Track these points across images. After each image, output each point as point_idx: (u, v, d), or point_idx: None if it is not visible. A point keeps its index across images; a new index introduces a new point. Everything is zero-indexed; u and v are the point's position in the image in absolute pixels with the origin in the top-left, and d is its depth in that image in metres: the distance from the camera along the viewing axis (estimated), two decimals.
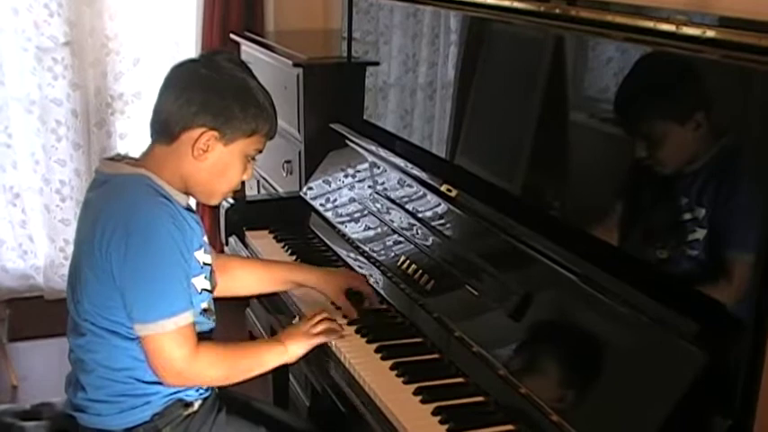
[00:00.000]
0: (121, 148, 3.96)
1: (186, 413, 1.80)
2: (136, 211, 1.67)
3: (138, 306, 1.65)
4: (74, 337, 1.79)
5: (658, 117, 1.57)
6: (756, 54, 1.33)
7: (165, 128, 1.73)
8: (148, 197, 1.69)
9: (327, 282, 2.07)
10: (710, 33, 1.43)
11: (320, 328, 1.87)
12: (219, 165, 1.75)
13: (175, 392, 1.78)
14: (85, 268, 1.71)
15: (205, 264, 1.79)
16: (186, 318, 1.68)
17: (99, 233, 1.66)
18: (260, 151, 1.82)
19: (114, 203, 1.69)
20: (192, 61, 1.81)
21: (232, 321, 1.94)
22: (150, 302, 1.65)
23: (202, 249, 1.77)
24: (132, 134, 3.99)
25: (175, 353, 1.67)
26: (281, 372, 2.76)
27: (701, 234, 1.46)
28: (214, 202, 1.86)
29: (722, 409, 1.32)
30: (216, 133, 1.71)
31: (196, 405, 1.82)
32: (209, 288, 1.82)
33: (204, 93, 1.71)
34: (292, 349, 1.83)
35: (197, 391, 1.81)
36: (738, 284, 1.37)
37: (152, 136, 1.77)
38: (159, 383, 1.74)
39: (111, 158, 1.82)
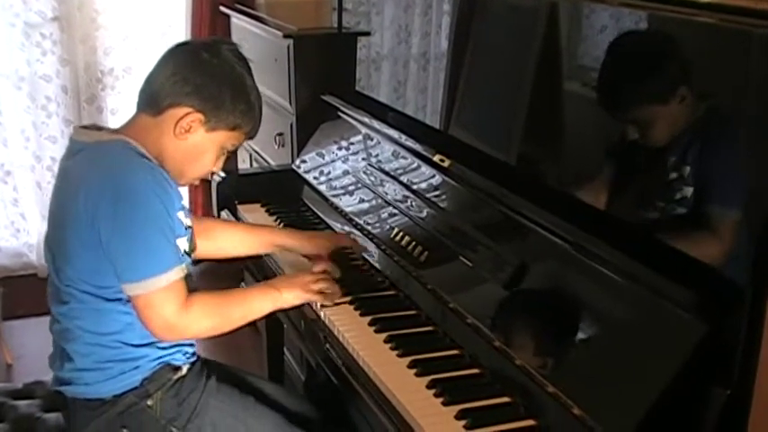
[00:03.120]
0: (113, 123, 3.92)
1: (175, 377, 1.81)
2: (119, 174, 1.68)
3: (128, 266, 1.67)
4: (56, 305, 1.79)
5: (651, 84, 1.54)
6: (753, 18, 1.31)
7: (154, 99, 1.75)
8: (130, 158, 1.71)
9: (311, 244, 2.08)
10: None
11: (319, 286, 1.88)
12: (197, 149, 1.78)
13: (163, 357, 1.80)
14: (68, 235, 1.71)
15: (188, 226, 1.81)
16: (177, 272, 1.70)
17: (83, 200, 1.67)
18: (236, 147, 1.87)
19: (96, 169, 1.69)
20: (196, 43, 1.85)
21: None
22: (141, 261, 1.67)
23: (183, 212, 1.78)
24: (123, 109, 3.96)
25: (167, 308, 1.68)
26: (276, 346, 2.76)
27: (696, 204, 1.44)
28: (181, 184, 1.86)
29: (721, 379, 1.31)
30: (201, 117, 1.75)
31: (184, 369, 1.83)
32: (188, 251, 1.83)
33: (201, 76, 1.75)
34: (287, 297, 1.85)
35: (184, 354, 1.83)
36: (736, 253, 1.35)
37: (139, 105, 1.80)
38: (147, 346, 1.76)
39: (86, 127, 1.83)
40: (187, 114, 1.74)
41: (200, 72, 1.75)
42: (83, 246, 1.69)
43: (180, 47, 1.81)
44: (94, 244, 1.67)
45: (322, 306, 1.89)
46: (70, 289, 1.74)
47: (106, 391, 1.77)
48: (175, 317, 1.69)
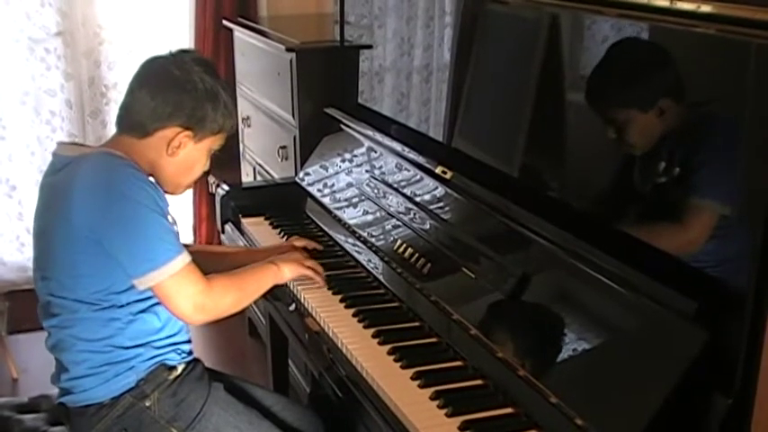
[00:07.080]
0: None
1: (172, 377, 1.84)
2: (108, 177, 1.74)
3: (141, 258, 1.72)
4: (48, 319, 1.83)
5: (653, 93, 1.55)
6: (752, 28, 1.31)
7: (139, 125, 1.83)
8: (120, 163, 1.76)
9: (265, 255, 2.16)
10: (706, 8, 1.41)
11: (310, 263, 2.05)
12: (189, 160, 1.89)
13: (157, 356, 1.83)
14: (63, 246, 1.75)
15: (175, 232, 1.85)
16: (188, 255, 1.76)
17: (76, 211, 1.71)
18: (222, 145, 1.96)
19: (84, 178, 1.74)
20: (162, 60, 1.89)
21: None
22: (153, 250, 1.72)
23: (170, 217, 1.82)
24: None
25: (192, 288, 1.75)
26: (280, 359, 2.77)
27: (696, 213, 1.45)
28: (178, 194, 1.96)
29: (722, 387, 1.31)
30: (190, 133, 1.85)
31: (180, 368, 1.86)
32: None
33: (178, 94, 1.83)
34: (284, 271, 1.99)
35: (179, 354, 1.86)
36: (736, 260, 1.35)
37: (120, 128, 1.87)
38: (139, 346, 1.80)
39: (68, 144, 1.90)
40: (177, 134, 1.83)
41: (177, 91, 1.83)
42: (83, 254, 1.73)
43: (148, 67, 1.87)
44: (95, 251, 1.71)
45: (304, 288, 2.04)
46: (64, 301, 1.78)
47: (103, 394, 1.80)
48: (203, 296, 1.76)
